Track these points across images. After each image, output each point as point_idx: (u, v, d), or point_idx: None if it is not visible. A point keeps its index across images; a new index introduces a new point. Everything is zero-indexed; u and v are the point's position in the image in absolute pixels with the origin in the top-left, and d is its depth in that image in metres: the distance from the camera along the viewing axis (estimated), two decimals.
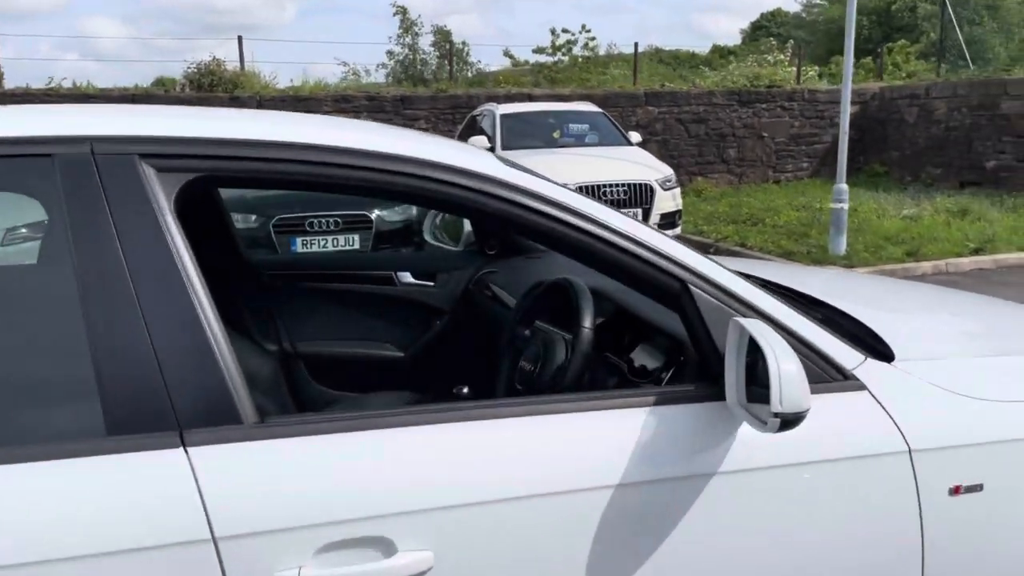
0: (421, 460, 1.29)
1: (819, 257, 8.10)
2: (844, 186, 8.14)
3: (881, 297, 2.43)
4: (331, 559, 1.21)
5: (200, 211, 2.28)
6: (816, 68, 17.26)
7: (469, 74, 17.65)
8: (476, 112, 10.96)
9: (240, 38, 13.20)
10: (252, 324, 2.55)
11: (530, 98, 12.49)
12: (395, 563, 1.22)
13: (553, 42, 17.78)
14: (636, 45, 15.51)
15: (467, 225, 3.41)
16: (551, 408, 1.39)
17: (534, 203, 1.41)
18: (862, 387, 1.50)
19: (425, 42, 17.34)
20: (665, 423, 1.39)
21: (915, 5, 25.00)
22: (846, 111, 8.28)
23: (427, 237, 4.03)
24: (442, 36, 17.49)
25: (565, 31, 17.81)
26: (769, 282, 2.04)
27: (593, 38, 18.35)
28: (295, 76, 14.41)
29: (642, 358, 1.85)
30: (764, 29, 32.14)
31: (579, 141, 9.77)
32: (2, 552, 1.10)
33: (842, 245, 8.17)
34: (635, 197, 8.24)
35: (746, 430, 1.40)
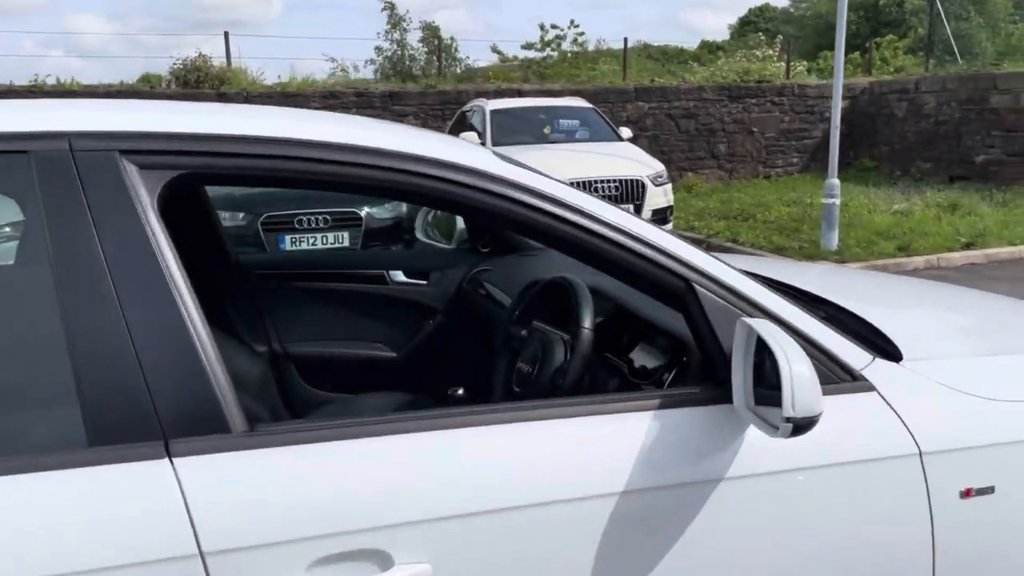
0: (418, 469, 1.24)
1: (811, 252, 8.10)
2: (836, 181, 8.12)
3: (875, 293, 2.39)
4: (325, 573, 1.16)
5: (185, 209, 2.22)
6: (805, 63, 17.27)
7: (458, 70, 17.66)
8: (466, 108, 10.91)
9: (227, 34, 13.08)
10: (241, 325, 2.50)
11: (520, 94, 12.43)
12: None
13: (542, 37, 17.82)
14: (625, 40, 15.47)
15: (460, 222, 3.36)
16: (552, 412, 1.34)
17: (531, 199, 1.36)
18: (871, 388, 1.46)
19: (413, 38, 17.36)
20: (670, 427, 1.35)
21: (903, 0, 25.07)
22: (837, 106, 8.25)
23: (419, 235, 3.97)
24: (430, 32, 17.49)
25: (554, 27, 17.86)
26: (769, 280, 2.00)
27: (582, 33, 18.43)
28: (283, 72, 14.29)
29: (642, 358, 1.81)
30: (752, 24, 32.16)
31: (570, 137, 9.74)
32: None
33: (834, 240, 8.16)
34: (626, 193, 8.22)
35: (753, 433, 1.36)
